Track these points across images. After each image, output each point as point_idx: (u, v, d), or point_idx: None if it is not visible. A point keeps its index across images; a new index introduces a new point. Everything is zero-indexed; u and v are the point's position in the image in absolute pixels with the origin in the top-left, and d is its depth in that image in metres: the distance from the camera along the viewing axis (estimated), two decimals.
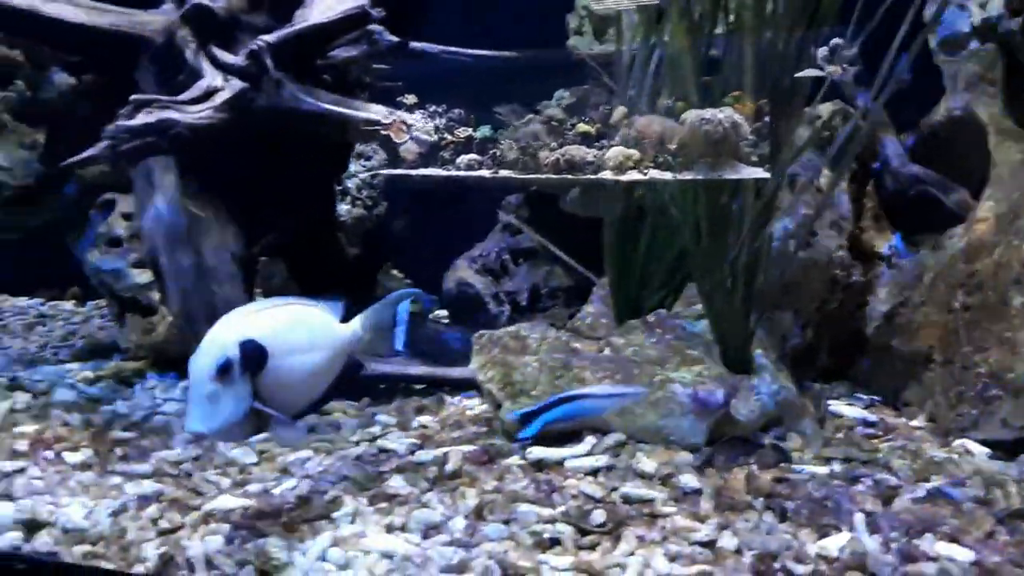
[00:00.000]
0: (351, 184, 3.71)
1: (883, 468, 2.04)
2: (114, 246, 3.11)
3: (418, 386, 2.75)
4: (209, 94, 2.17)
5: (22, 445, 2.35)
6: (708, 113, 2.10)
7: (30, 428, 2.44)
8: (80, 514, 2.01)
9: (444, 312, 3.57)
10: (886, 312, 2.47)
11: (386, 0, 2.35)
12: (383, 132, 2.32)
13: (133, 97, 2.08)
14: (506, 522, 1.85)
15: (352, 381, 2.49)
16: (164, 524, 1.95)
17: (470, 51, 2.62)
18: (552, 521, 1.84)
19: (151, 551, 1.85)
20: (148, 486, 2.11)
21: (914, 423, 2.36)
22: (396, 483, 2.05)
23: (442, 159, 2.24)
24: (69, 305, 4.05)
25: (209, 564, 1.80)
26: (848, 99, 2.69)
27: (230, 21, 2.37)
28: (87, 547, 1.90)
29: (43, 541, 1.92)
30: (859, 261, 2.62)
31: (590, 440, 2.13)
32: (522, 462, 2.12)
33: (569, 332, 2.36)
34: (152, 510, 2.00)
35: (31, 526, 1.99)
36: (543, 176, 2.20)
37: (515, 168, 2.22)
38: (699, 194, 2.17)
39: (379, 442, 2.34)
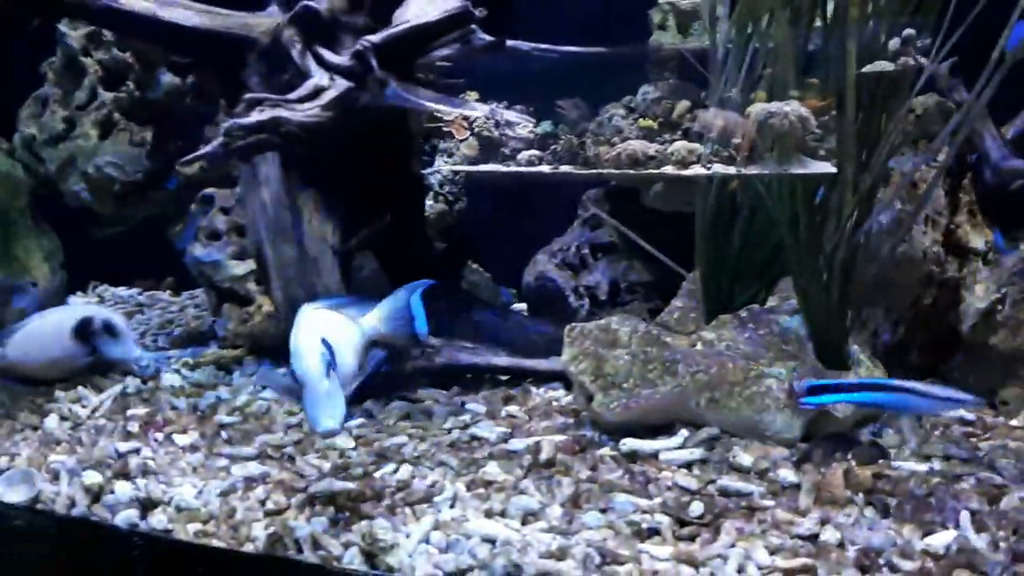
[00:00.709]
0: (433, 180, 3.75)
1: (986, 467, 1.97)
2: (214, 239, 3.21)
3: (502, 376, 2.77)
4: (316, 93, 2.22)
5: (134, 427, 2.45)
6: (774, 106, 2.08)
7: (141, 411, 2.53)
8: (191, 494, 2.07)
9: (521, 305, 3.58)
10: (984, 309, 2.39)
11: None
12: (445, 128, 2.33)
13: (246, 96, 2.15)
14: (603, 511, 1.85)
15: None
16: (271, 505, 2.00)
17: (560, 48, 2.61)
18: (650, 511, 1.83)
19: (260, 531, 1.90)
20: (254, 468, 2.16)
21: (1014, 422, 2.28)
22: (492, 470, 2.06)
23: (502, 155, 2.26)
24: (165, 295, 4.17)
25: (316, 544, 1.84)
26: (944, 91, 2.61)
27: (332, 22, 2.42)
28: (199, 525, 1.97)
29: (158, 519, 1.99)
30: (954, 257, 2.54)
31: (683, 433, 2.11)
32: (614, 453, 2.11)
33: (658, 326, 2.34)
34: (259, 491, 2.05)
35: (146, 504, 2.06)
36: (604, 171, 2.22)
37: (575, 163, 2.24)
38: (796, 187, 2.13)
39: (471, 430, 2.36)
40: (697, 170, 2.15)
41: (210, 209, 3.26)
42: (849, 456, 1.99)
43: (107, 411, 2.54)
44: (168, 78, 3.04)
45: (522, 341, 2.88)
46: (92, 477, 2.14)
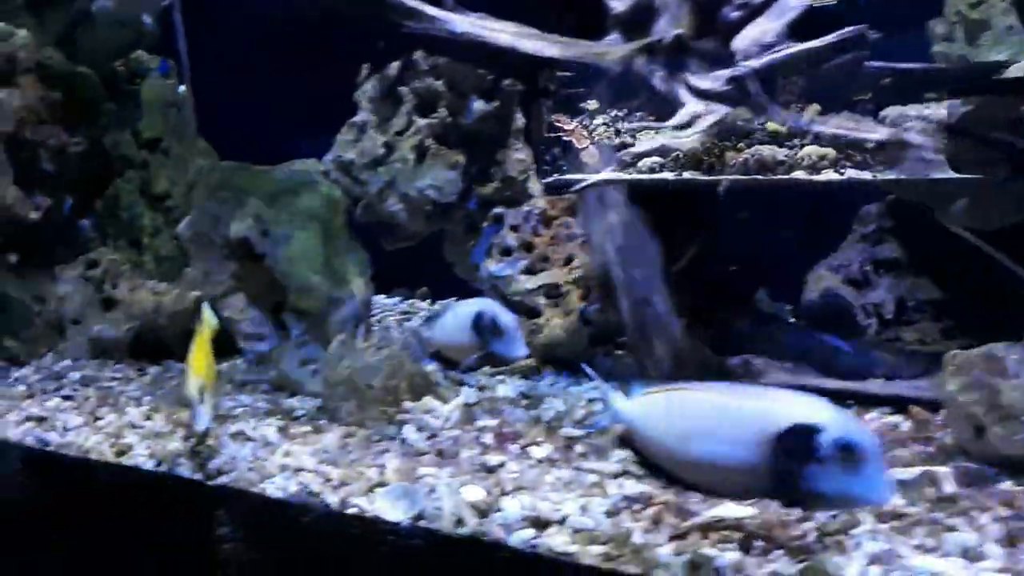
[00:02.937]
0: None
1: None
2: (505, 255, 3.19)
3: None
4: (693, 120, 2.12)
5: (487, 438, 2.38)
6: (911, 110, 1.97)
7: (491, 422, 2.48)
8: (575, 511, 1.98)
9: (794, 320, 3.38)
10: None
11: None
12: (565, 138, 2.24)
13: (627, 125, 2.07)
14: None
15: None
16: (667, 529, 1.88)
17: (898, 65, 2.42)
18: None
19: (669, 557, 1.78)
20: (632, 486, 2.06)
21: None
22: (896, 501, 1.90)
23: (623, 162, 2.14)
24: (424, 304, 4.20)
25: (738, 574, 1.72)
26: None
27: (682, 48, 2.32)
28: (601, 548, 1.85)
29: (557, 540, 1.86)
30: None
31: None
32: (1018, 489, 1.92)
33: None
34: (649, 511, 1.94)
35: (536, 523, 1.95)
36: (730, 177, 2.08)
37: (699, 170, 2.11)
38: None
39: None
40: (829, 175, 2.00)
41: (501, 227, 3.23)
42: None
43: (456, 422, 2.51)
44: (479, 104, 3.01)
45: (827, 362, 2.71)
46: (474, 493, 2.07)
